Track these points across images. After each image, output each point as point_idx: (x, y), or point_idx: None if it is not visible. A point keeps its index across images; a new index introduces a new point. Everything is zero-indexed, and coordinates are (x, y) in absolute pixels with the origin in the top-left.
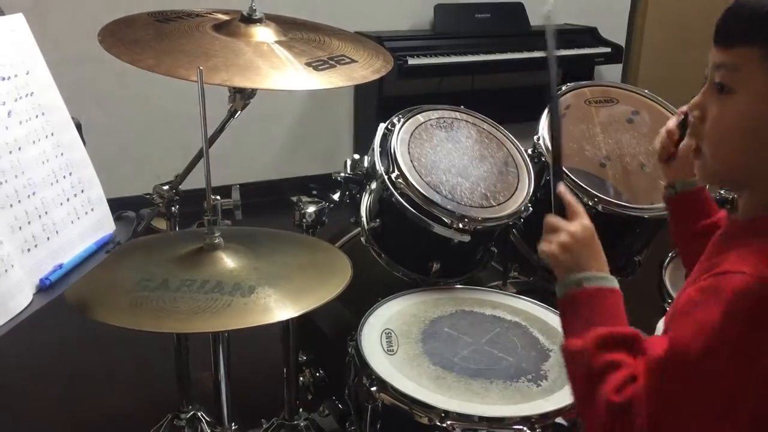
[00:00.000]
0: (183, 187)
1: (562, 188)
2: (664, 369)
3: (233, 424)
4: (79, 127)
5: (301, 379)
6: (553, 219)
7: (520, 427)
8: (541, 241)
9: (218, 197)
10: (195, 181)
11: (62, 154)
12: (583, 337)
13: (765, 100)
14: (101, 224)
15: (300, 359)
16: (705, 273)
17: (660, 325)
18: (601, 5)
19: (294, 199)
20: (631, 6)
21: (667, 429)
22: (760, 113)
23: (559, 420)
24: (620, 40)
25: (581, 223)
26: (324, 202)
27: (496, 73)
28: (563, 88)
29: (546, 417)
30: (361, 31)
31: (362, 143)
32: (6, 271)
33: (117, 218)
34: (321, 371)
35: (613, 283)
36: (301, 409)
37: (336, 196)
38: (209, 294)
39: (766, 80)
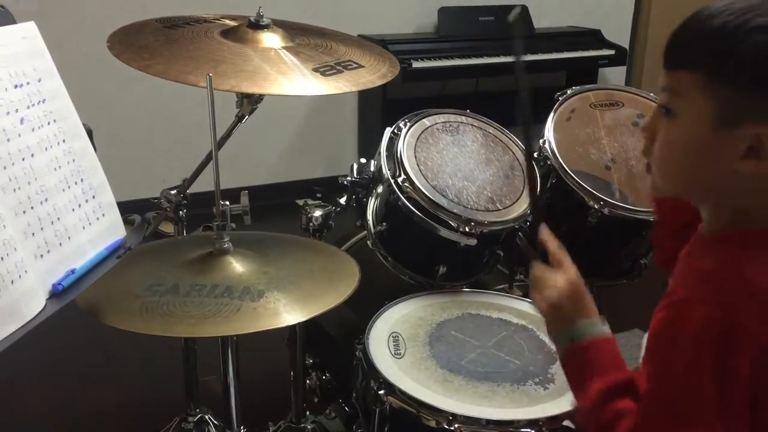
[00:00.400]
0: (191, 190)
1: (544, 233)
2: (650, 416)
3: (241, 427)
4: (90, 133)
5: (308, 382)
6: (538, 271)
7: (528, 430)
8: (530, 294)
9: (227, 202)
10: (202, 184)
11: (74, 160)
12: (585, 395)
13: (707, 127)
14: (112, 230)
15: (307, 362)
16: (669, 292)
17: (644, 342)
18: (605, 7)
19: (300, 203)
20: (635, 8)
21: None
22: (703, 139)
23: (567, 423)
24: (624, 42)
25: (565, 275)
26: (330, 206)
27: (500, 75)
28: (568, 91)
29: (554, 420)
30: (365, 34)
31: (367, 146)
32: (20, 276)
33: (123, 221)
34: (327, 374)
35: (603, 328)
36: (308, 412)
37: (342, 200)
38: (219, 299)
39: (706, 107)
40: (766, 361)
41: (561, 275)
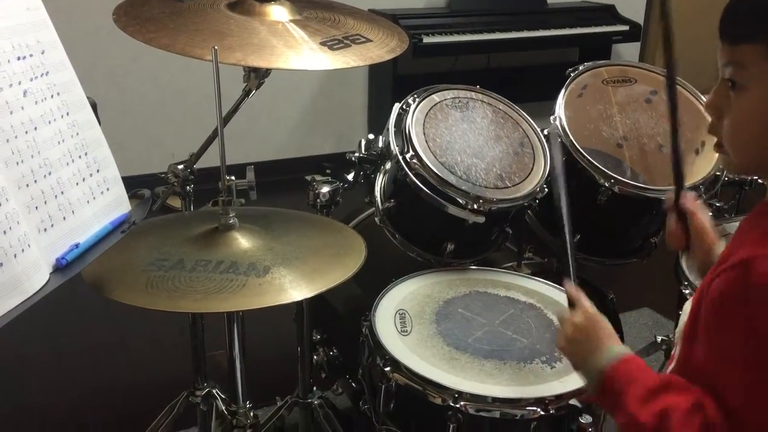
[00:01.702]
0: (199, 165)
1: (567, 284)
2: (727, 373)
3: (248, 402)
4: (94, 106)
5: (315, 357)
6: (561, 315)
7: (534, 408)
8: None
9: (233, 177)
10: (210, 159)
11: (77, 134)
12: (624, 409)
13: None
14: (117, 204)
15: (314, 338)
16: (728, 255)
17: (687, 307)
18: None
19: (308, 178)
20: None
21: None
22: None
23: (573, 402)
24: (638, 18)
25: (582, 313)
26: (338, 182)
27: (511, 51)
28: (581, 67)
29: (560, 398)
30: (375, 8)
31: (376, 122)
32: (23, 250)
33: (132, 196)
34: (335, 350)
35: (623, 351)
36: (314, 388)
37: (350, 176)
38: (224, 274)
39: None
40: None
41: (578, 312)
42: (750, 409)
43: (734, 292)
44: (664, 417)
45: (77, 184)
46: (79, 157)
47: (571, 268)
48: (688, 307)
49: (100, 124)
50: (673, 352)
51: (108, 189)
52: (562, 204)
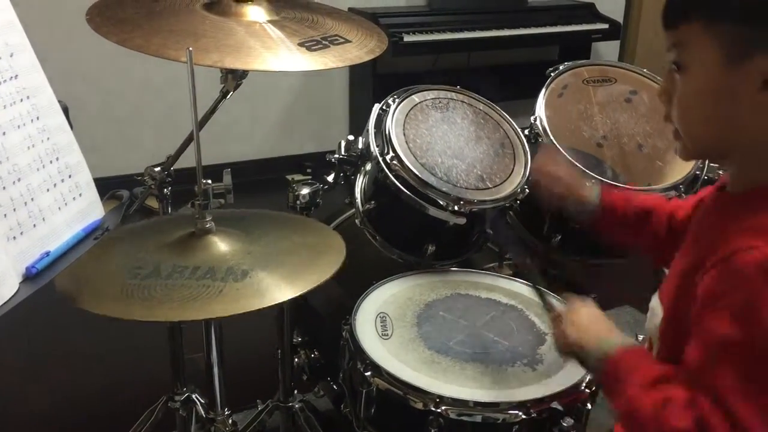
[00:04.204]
0: (178, 165)
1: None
2: (720, 370)
3: (225, 409)
4: (66, 110)
5: (297, 360)
6: (553, 315)
7: (516, 411)
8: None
9: (209, 181)
10: (190, 159)
11: (48, 138)
12: (622, 396)
13: (717, 68)
14: (89, 210)
15: (295, 340)
16: (706, 254)
17: (654, 303)
18: None
19: (289, 178)
20: None
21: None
22: (716, 81)
23: (555, 405)
24: (618, 16)
25: (581, 306)
26: (318, 184)
27: (492, 49)
28: (561, 67)
29: (542, 401)
30: (356, 7)
31: (357, 121)
32: None
33: (111, 197)
34: (316, 352)
35: (629, 341)
36: (295, 391)
37: (330, 178)
38: (201, 280)
39: (712, 49)
40: None
41: (577, 308)
42: (745, 409)
43: (728, 284)
44: (662, 406)
45: (48, 190)
46: (50, 162)
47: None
48: (655, 303)
49: (72, 128)
50: (646, 348)
51: (80, 195)
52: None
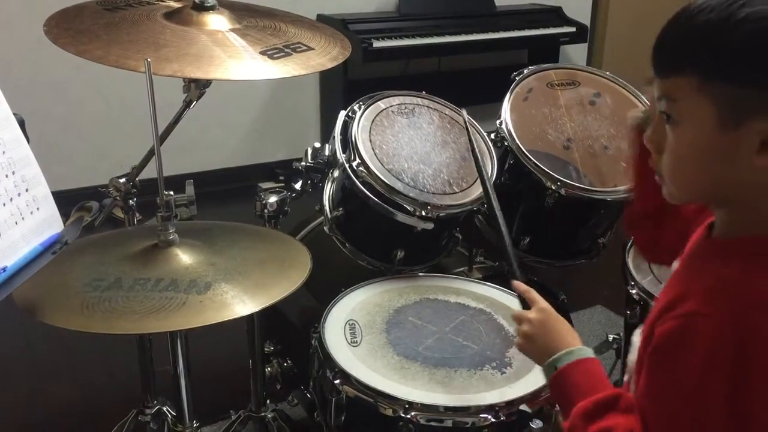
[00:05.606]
0: (145, 176)
1: (516, 283)
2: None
3: (194, 422)
4: (22, 123)
5: (269, 369)
6: (515, 313)
7: (485, 415)
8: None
9: (171, 192)
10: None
11: (4, 152)
12: (569, 418)
13: (712, 129)
14: (48, 224)
15: (267, 349)
16: (677, 299)
17: (636, 339)
18: None
19: (261, 185)
20: None
21: None
22: (711, 141)
23: (524, 407)
24: (585, 19)
25: (537, 309)
26: (286, 192)
27: (462, 54)
28: (525, 71)
29: (510, 405)
30: (325, 14)
31: (329, 127)
32: None
33: (80, 208)
34: (289, 361)
35: (582, 352)
36: (268, 401)
37: (298, 186)
38: (164, 293)
39: (707, 108)
40: None
41: (533, 310)
42: None
43: (672, 344)
44: None
45: (4, 204)
46: (6, 176)
47: (514, 268)
48: (636, 338)
49: (28, 141)
50: (626, 379)
51: (38, 208)
52: (494, 205)
